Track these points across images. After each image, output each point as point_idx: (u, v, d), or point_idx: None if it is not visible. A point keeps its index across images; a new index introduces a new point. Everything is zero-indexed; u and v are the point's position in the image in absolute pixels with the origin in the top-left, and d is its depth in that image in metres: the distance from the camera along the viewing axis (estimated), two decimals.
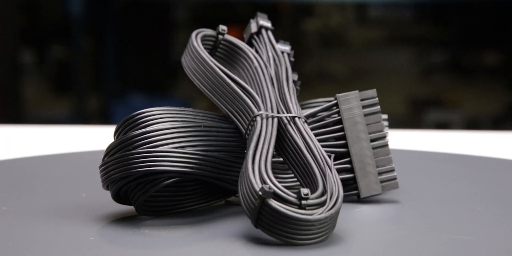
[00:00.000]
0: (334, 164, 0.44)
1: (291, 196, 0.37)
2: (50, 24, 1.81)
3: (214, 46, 0.48)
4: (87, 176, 0.51)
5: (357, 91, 0.46)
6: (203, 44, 0.47)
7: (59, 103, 1.73)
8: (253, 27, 0.48)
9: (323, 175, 0.40)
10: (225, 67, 0.46)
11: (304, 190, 0.37)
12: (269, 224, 0.37)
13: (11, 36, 1.73)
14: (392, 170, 0.46)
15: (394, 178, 0.46)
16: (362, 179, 0.45)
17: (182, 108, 0.43)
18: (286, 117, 0.43)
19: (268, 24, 0.48)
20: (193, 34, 0.46)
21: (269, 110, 0.43)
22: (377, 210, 0.45)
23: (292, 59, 0.48)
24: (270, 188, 0.37)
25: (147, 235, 0.40)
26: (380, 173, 0.46)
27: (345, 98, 0.46)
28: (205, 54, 0.45)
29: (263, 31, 0.48)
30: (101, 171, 0.42)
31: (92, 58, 1.77)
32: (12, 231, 0.40)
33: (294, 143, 0.42)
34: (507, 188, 0.51)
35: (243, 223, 0.41)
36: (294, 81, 0.47)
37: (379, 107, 0.46)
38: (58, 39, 1.78)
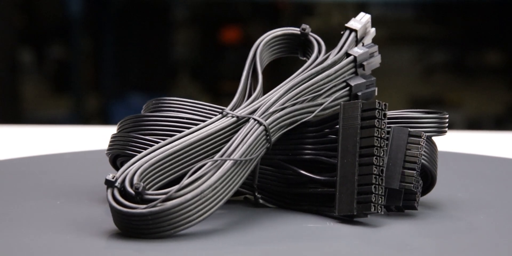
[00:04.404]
0: (323, 176, 0.43)
1: (133, 189, 0.38)
2: (49, 24, 1.80)
3: (300, 45, 0.48)
4: (86, 176, 0.51)
5: (360, 100, 0.43)
6: (284, 44, 0.48)
7: (58, 103, 1.73)
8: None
9: (198, 176, 0.39)
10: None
11: (137, 185, 0.38)
12: (112, 213, 0.39)
13: (10, 36, 1.73)
14: (369, 192, 0.41)
15: (369, 201, 0.41)
16: (339, 196, 0.41)
17: (199, 102, 0.45)
18: (251, 118, 0.43)
19: (356, 25, 0.47)
20: (268, 33, 0.47)
21: (242, 110, 0.43)
22: (346, 226, 0.41)
23: (366, 63, 0.46)
24: (114, 177, 0.39)
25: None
26: (358, 193, 0.41)
27: (347, 107, 0.43)
28: (252, 52, 0.46)
29: (347, 32, 0.47)
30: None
31: (91, 58, 1.77)
32: (11, 228, 0.41)
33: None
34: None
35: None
36: (349, 86, 0.46)
37: (375, 120, 0.41)
38: (57, 38, 1.78)
